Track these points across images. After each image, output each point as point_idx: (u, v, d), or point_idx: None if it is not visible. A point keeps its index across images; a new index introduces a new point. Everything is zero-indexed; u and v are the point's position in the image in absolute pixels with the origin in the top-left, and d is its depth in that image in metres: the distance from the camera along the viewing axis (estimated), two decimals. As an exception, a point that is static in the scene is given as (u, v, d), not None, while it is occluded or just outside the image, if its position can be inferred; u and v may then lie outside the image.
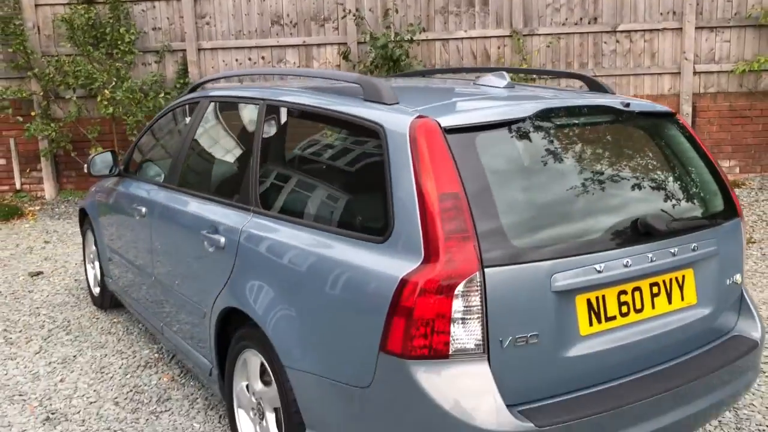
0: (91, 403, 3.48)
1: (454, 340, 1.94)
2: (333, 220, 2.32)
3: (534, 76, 6.69)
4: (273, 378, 2.47)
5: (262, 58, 8.48)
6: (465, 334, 1.94)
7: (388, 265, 2.02)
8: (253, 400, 2.67)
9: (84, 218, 5.03)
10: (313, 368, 2.22)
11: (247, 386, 2.77)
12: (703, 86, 8.09)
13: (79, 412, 3.39)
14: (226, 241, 2.74)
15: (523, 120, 2.23)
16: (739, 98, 8.05)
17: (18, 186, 8.75)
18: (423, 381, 1.94)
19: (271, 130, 2.78)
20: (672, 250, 2.23)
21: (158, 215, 3.39)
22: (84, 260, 5.08)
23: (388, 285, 1.98)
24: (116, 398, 3.52)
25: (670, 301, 2.28)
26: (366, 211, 2.25)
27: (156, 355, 4.05)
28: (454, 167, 2.02)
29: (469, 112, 2.24)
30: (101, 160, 4.08)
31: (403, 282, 1.95)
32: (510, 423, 1.91)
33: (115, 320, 4.65)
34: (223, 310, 2.76)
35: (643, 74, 8.03)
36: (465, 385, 1.94)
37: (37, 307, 4.94)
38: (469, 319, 1.94)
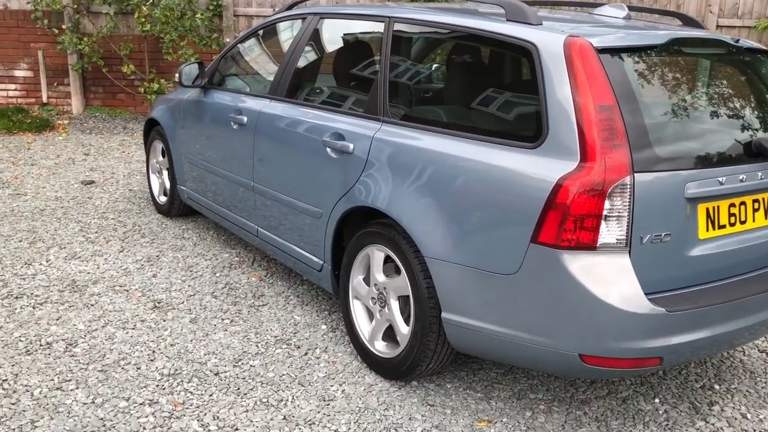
0: (191, 296, 3.75)
1: (602, 234, 2.23)
2: (478, 128, 2.58)
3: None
4: (403, 269, 2.75)
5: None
6: (612, 229, 2.23)
7: (543, 166, 2.29)
8: (374, 290, 2.96)
9: (150, 129, 5.20)
10: (459, 258, 2.50)
11: (363, 279, 3.06)
12: (727, 40, 8.33)
13: (182, 302, 3.66)
14: (354, 147, 2.97)
15: (658, 46, 2.49)
16: (760, 54, 8.32)
17: (44, 99, 8.79)
18: (572, 267, 2.23)
19: (400, 45, 2.99)
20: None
21: (264, 125, 3.59)
22: (147, 170, 5.28)
23: (544, 184, 2.26)
24: (213, 293, 3.79)
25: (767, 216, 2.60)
26: (515, 120, 2.51)
27: (236, 258, 4.32)
28: (608, 83, 2.28)
29: (611, 35, 2.49)
30: (190, 70, 4.24)
31: (561, 181, 2.22)
32: (646, 306, 2.23)
33: (184, 227, 4.88)
34: (346, 211, 3.01)
35: (672, 24, 8.24)
36: (609, 273, 2.24)
37: (103, 212, 5.15)
38: (617, 216, 2.23)
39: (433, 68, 2.98)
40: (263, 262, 4.26)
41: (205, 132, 4.22)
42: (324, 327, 3.43)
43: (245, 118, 3.75)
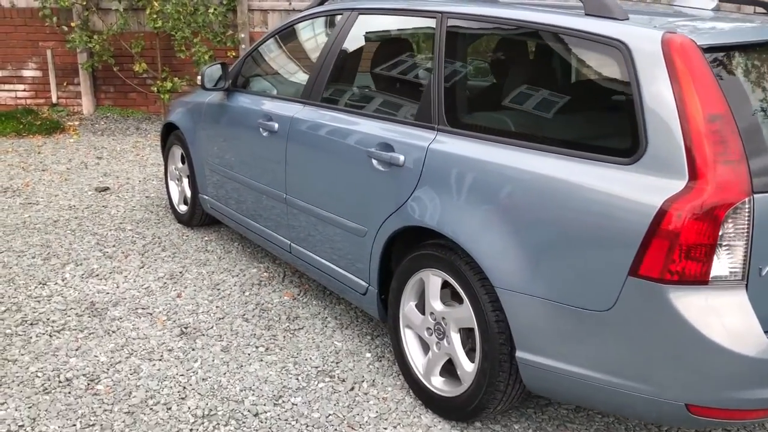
0: (220, 319, 3.44)
1: (715, 266, 1.90)
2: (556, 140, 2.25)
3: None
4: (467, 299, 2.43)
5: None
6: (727, 260, 1.90)
7: (642, 186, 1.96)
8: (430, 320, 2.64)
9: (168, 133, 4.89)
10: (538, 291, 2.18)
11: (416, 305, 2.74)
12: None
13: (211, 326, 3.35)
14: (405, 159, 2.65)
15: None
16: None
17: (54, 100, 8.50)
18: (679, 305, 1.91)
19: (456, 44, 2.66)
20: None
21: (298, 132, 3.27)
22: (166, 177, 4.97)
23: (646, 208, 1.93)
24: (244, 315, 3.48)
25: None
26: (604, 130, 2.18)
27: (266, 274, 4.01)
28: (718, 87, 1.94)
29: (714, 31, 2.15)
30: (213, 72, 3.92)
31: (667, 205, 1.89)
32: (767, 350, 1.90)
33: (206, 238, 4.58)
34: (397, 230, 2.70)
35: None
36: (723, 311, 1.92)
37: (120, 223, 4.85)
38: (733, 245, 1.90)
39: (496, 70, 2.64)
40: (294, 278, 3.95)
41: (230, 138, 3.90)
42: (369, 355, 3.12)
43: (276, 125, 3.43)
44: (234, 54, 8.13)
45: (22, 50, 8.40)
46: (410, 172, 2.64)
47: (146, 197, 5.49)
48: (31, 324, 3.34)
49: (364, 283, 2.97)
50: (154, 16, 7.52)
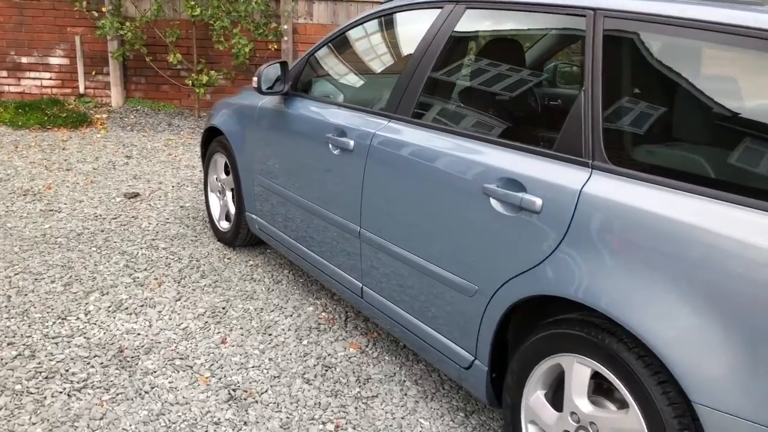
0: (275, 377, 2.80)
1: None
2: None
3: None
4: (634, 403, 1.77)
5: (369, -36, 7.49)
6: None
7: None
8: (571, 421, 1.97)
9: (209, 139, 4.26)
10: (752, 413, 1.51)
11: (545, 396, 2.08)
12: None
13: (266, 390, 2.71)
14: (543, 203, 1.98)
15: None
16: None
17: (81, 90, 7.93)
18: None
19: (618, 53, 1.99)
20: None
21: (381, 153, 2.62)
22: (205, 188, 4.34)
23: None
24: (304, 374, 2.84)
25: None
26: None
27: (324, 314, 3.36)
28: None
29: None
30: (270, 73, 3.27)
31: None
32: None
33: (251, 263, 3.94)
34: (525, 297, 2.03)
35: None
36: None
37: (152, 239, 4.23)
38: None
39: (683, 90, 1.95)
40: (359, 322, 3.30)
41: (288, 152, 3.25)
42: (467, 442, 2.46)
43: (351, 142, 2.78)
44: (276, 47, 7.50)
45: (49, 36, 7.83)
46: (551, 221, 1.97)
47: (181, 207, 4.87)
48: (47, 377, 2.72)
49: (468, 355, 2.31)
50: (192, 3, 6.89)
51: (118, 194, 5.12)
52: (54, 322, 3.16)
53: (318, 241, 3.11)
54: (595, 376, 1.92)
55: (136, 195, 5.12)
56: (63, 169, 5.74)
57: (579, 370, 1.93)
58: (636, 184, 1.82)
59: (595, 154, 1.94)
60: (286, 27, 7.54)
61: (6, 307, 3.27)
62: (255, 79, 3.25)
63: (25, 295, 3.41)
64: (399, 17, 2.90)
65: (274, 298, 3.52)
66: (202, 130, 7.13)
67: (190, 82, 7.28)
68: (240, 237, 4.00)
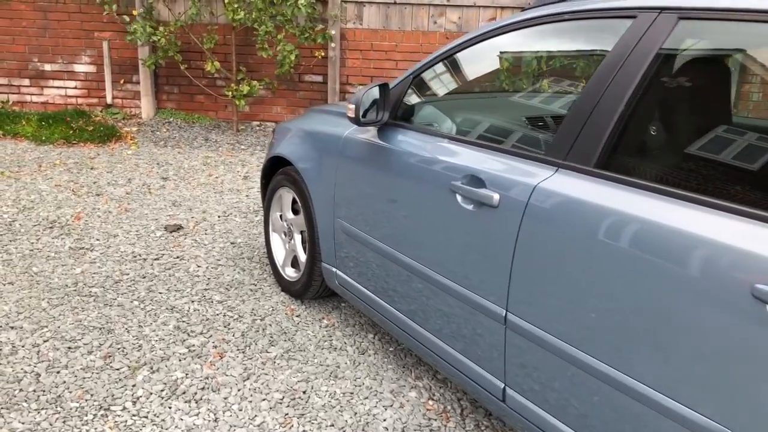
0: None
1: None
2: None
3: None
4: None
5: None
6: None
7: None
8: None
9: (272, 170, 3.58)
10: None
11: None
12: None
13: None
14: None
15: None
16: None
17: (109, 100, 7.29)
18: None
19: None
20: None
21: (546, 216, 1.90)
22: (266, 227, 3.65)
23: None
24: (429, 503, 2.13)
25: None
26: None
27: (432, 402, 2.66)
28: None
29: None
30: (368, 98, 2.57)
31: None
32: None
33: (325, 322, 3.25)
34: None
35: None
36: None
37: (204, 289, 3.54)
38: None
39: None
40: (478, 415, 2.59)
41: (389, 198, 2.55)
42: None
43: (495, 196, 2.06)
44: (323, 54, 6.81)
45: (75, 42, 7.20)
46: None
47: (231, 244, 4.19)
48: None
49: None
50: (235, 5, 6.21)
51: (158, 226, 4.44)
52: (95, 416, 2.47)
53: (432, 317, 2.40)
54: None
55: (179, 228, 4.44)
56: (93, 193, 5.08)
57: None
58: None
59: None
60: (333, 32, 6.85)
61: (35, 392, 2.59)
62: (350, 105, 2.54)
63: (58, 372, 2.73)
64: (558, 28, 2.17)
65: (364, 376, 2.82)
66: (242, 146, 6.48)
67: (230, 93, 6.60)
68: (312, 290, 3.31)
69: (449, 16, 6.90)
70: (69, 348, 2.91)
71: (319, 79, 7.18)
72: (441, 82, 2.58)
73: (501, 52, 2.39)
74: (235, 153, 6.42)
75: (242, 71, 6.87)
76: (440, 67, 2.57)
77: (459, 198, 2.22)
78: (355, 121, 2.56)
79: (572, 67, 2.10)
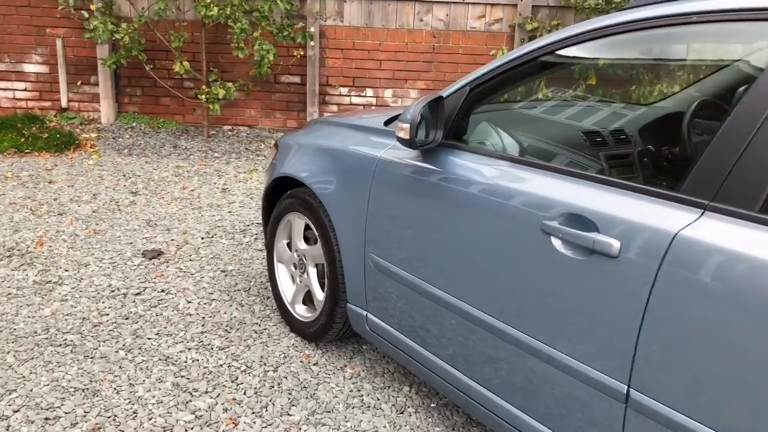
0: None
1: None
2: None
3: None
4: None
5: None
6: None
7: None
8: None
9: (277, 192, 3.08)
10: None
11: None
12: None
13: None
14: None
15: None
16: None
17: (64, 103, 6.62)
18: None
19: None
20: None
21: (693, 274, 1.49)
22: (269, 257, 3.15)
23: None
24: None
25: None
26: None
27: (501, 479, 2.21)
28: None
29: None
30: (416, 114, 2.11)
31: None
32: None
33: (349, 371, 2.79)
34: None
35: None
36: None
37: (201, 332, 3.03)
38: None
39: None
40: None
41: (454, 236, 2.09)
42: None
43: (615, 244, 1.63)
44: (301, 54, 6.30)
45: (24, 39, 6.52)
46: None
47: (222, 271, 3.67)
48: None
49: None
50: (207, 1, 5.64)
51: (134, 252, 3.89)
52: None
53: (511, 384, 1.96)
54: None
55: (159, 253, 3.90)
56: (54, 212, 4.48)
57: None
58: None
59: None
60: (312, 30, 6.35)
61: (8, 487, 2.05)
62: (404, 126, 2.08)
63: (35, 456, 2.19)
64: (685, 32, 1.75)
65: (410, 443, 2.36)
66: (215, 154, 5.89)
67: (203, 96, 6.03)
68: (332, 333, 2.84)
69: (436, 13, 6.47)
70: (46, 419, 2.37)
71: (297, 80, 6.67)
72: (513, 96, 2.13)
73: (599, 59, 1.96)
74: (208, 162, 5.87)
75: (214, 72, 6.31)
76: (511, 77, 2.12)
77: (554, 241, 1.78)
78: (409, 143, 2.10)
79: (714, 80, 1.69)
